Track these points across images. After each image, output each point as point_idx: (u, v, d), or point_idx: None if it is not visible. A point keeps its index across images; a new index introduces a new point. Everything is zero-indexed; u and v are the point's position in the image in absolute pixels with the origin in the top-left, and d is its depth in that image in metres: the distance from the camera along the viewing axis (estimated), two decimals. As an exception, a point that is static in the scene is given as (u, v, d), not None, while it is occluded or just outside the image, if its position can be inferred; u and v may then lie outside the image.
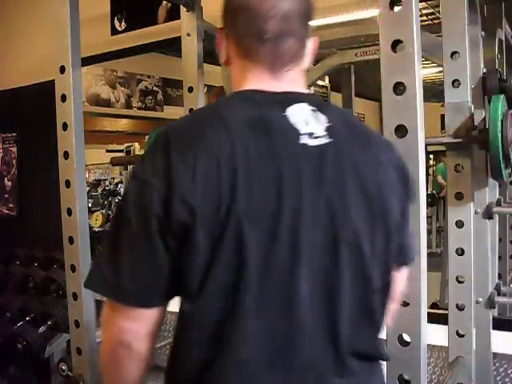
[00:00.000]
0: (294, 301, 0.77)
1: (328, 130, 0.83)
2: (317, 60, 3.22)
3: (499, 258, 2.11)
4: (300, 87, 0.90)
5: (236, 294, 0.76)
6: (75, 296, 1.52)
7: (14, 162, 3.87)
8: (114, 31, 3.12)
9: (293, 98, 0.86)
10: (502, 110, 1.47)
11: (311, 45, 0.92)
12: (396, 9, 1.02)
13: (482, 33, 1.71)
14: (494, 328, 1.80)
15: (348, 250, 0.80)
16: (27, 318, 2.86)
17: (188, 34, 2.09)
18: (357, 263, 0.81)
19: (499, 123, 1.44)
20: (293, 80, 0.89)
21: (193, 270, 0.76)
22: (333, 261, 0.79)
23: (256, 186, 0.76)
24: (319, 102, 0.88)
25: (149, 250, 0.78)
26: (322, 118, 0.84)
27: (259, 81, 0.87)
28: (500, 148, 1.44)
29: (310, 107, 0.85)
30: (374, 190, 0.83)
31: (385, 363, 1.04)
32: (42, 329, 2.78)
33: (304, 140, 0.80)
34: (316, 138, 0.81)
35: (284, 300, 0.77)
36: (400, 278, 0.94)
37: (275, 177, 0.77)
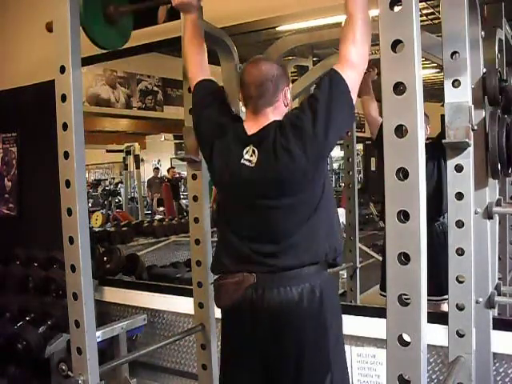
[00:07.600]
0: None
1: (257, 161, 1.55)
2: (317, 60, 3.23)
3: (499, 258, 2.11)
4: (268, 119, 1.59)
5: None
6: (75, 296, 1.53)
7: (14, 162, 3.87)
8: (114, 31, 3.11)
9: (251, 140, 1.59)
10: None
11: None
12: (396, 9, 1.02)
13: (482, 33, 1.71)
14: (494, 328, 1.80)
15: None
16: (27, 318, 2.87)
17: (188, 34, 2.09)
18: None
19: None
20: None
21: None
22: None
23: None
24: (260, 141, 1.55)
25: None
26: (257, 152, 1.55)
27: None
28: None
29: (253, 147, 1.57)
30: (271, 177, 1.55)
31: (384, 359, 1.04)
32: (42, 329, 2.78)
33: (243, 161, 1.58)
34: (250, 161, 1.56)
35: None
36: None
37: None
